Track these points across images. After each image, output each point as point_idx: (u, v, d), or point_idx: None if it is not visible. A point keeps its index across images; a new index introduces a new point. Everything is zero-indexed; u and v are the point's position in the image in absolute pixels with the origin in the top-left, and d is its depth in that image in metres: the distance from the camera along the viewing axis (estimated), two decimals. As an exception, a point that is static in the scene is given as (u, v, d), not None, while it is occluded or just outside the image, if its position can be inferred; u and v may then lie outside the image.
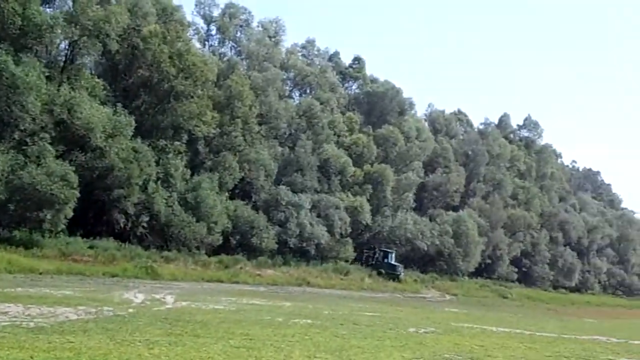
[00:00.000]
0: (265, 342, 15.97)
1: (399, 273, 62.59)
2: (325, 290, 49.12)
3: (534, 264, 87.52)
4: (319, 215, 58.03)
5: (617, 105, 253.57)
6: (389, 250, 65.29)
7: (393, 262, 63.79)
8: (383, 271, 61.20)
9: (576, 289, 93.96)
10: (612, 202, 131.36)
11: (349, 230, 60.68)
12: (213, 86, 53.76)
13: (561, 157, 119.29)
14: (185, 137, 51.18)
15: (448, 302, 54.09)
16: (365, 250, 66.04)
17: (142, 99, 50.70)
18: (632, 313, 79.19)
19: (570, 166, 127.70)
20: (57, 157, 39.92)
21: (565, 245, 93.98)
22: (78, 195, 39.36)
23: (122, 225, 45.57)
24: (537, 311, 58.59)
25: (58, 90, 41.84)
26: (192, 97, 50.29)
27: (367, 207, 62.08)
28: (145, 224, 46.70)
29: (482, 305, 56.93)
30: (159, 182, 47.10)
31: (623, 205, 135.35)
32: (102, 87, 45.88)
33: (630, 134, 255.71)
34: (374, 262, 63.09)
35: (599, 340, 27.09)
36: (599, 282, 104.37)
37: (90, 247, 41.51)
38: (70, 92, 41.76)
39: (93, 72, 48.95)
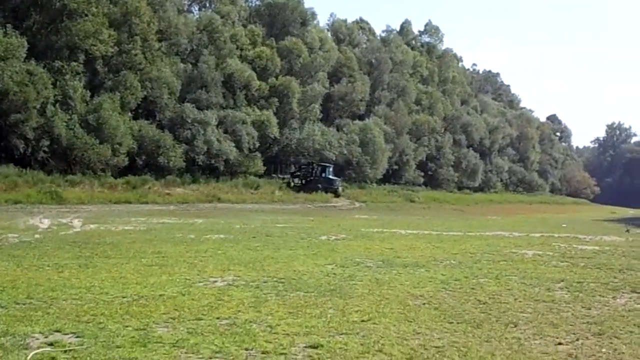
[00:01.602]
0: (178, 259, 15.96)
1: (336, 187, 63.05)
2: (236, 205, 49.29)
3: (439, 167, 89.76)
4: (226, 131, 57.54)
5: (515, 5, 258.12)
6: (327, 165, 65.39)
7: (331, 176, 64.15)
8: (320, 186, 61.48)
9: (480, 189, 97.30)
10: (512, 102, 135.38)
11: (257, 144, 60.50)
12: (108, 3, 51.68)
13: (462, 61, 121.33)
14: (82, 57, 49.32)
15: (358, 210, 55.24)
16: (302, 166, 65.90)
17: (33, 18, 48.44)
18: (532, 208, 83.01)
19: (471, 69, 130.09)
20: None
21: (468, 147, 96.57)
22: (-28, 122, 37.82)
23: (21, 150, 44.17)
24: (443, 212, 60.59)
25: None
26: (86, 15, 48.39)
27: (274, 120, 61.86)
28: (46, 149, 45.38)
29: (391, 210, 58.41)
30: (57, 104, 45.63)
31: (522, 105, 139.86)
32: (-11, 8, 43.64)
33: (528, 34, 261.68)
34: (312, 178, 63.19)
35: (502, 235, 28.28)
36: (501, 181, 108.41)
37: (-10, 175, 40.21)
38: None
39: (-22, -7, 46.34)
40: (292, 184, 64.05)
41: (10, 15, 46.40)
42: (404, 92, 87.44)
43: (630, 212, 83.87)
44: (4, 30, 42.71)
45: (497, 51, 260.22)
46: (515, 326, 9.51)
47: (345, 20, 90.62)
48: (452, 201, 77.99)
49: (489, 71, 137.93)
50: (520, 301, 11.58)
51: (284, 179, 66.04)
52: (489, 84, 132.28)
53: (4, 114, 42.53)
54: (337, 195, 62.16)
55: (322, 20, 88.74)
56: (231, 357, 7.54)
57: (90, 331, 8.42)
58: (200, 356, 7.56)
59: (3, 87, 41.45)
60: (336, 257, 17.25)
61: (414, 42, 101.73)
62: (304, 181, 63.72)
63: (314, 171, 64.58)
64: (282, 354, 7.72)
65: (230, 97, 61.64)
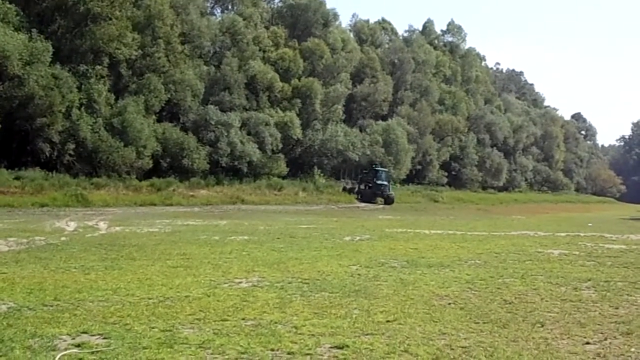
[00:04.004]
0: (202, 261, 15.99)
1: (386, 193, 61.27)
2: (260, 206, 49.39)
3: (463, 166, 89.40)
4: (249, 133, 57.72)
5: (539, 2, 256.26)
6: (378, 168, 64.63)
7: (381, 180, 62.60)
8: (374, 193, 60.45)
9: (504, 188, 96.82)
10: (536, 101, 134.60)
11: (280, 146, 60.63)
12: (131, 6, 51.99)
13: (485, 60, 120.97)
14: (106, 60, 49.70)
15: (381, 210, 55.08)
16: (363, 170, 65.19)
17: (58, 23, 48.85)
18: (557, 207, 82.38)
19: (495, 68, 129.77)
20: (-28, 88, 38.51)
21: (492, 147, 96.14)
22: (-2, 126, 38.23)
23: (47, 154, 44.55)
24: (467, 212, 60.28)
25: (-32, 19, 40.04)
26: (110, 18, 48.71)
27: (297, 121, 61.97)
28: (71, 152, 45.78)
29: (415, 210, 58.19)
30: (82, 108, 46.01)
31: (546, 103, 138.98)
32: (15, 12, 44.01)
33: (552, 31, 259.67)
34: (370, 185, 62.09)
35: (528, 234, 28.07)
36: (526, 180, 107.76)
37: (16, 178, 40.57)
38: (-19, 20, 40.01)
39: (3, -2, 46.82)
40: (351, 192, 62.85)
41: (35, 20, 46.80)
42: (427, 92, 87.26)
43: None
44: (29, 35, 43.10)
45: (521, 49, 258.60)
46: (542, 326, 9.43)
47: (367, 21, 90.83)
48: (476, 201, 77.67)
49: (513, 70, 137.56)
50: (546, 301, 11.48)
51: (344, 187, 65.10)
52: (513, 83, 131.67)
53: (29, 118, 42.92)
54: (388, 202, 60.60)
55: (345, 20, 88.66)
56: (257, 358, 7.53)
57: (117, 332, 8.46)
58: (226, 357, 7.56)
59: (29, 91, 41.82)
60: (360, 258, 17.21)
61: (436, 41, 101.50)
62: (361, 189, 62.74)
63: (370, 177, 63.77)
64: (307, 354, 7.71)
65: (253, 99, 61.84)
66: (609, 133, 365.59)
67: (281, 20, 72.77)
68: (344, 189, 64.11)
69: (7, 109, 41.57)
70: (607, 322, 9.77)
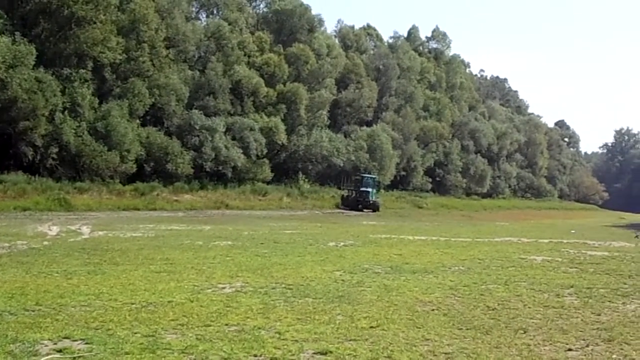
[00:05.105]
0: (186, 266, 15.96)
1: (369, 200, 60.52)
2: (244, 211, 49.33)
3: (447, 173, 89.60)
4: (233, 138, 57.57)
5: (523, 11, 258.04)
6: (365, 175, 64.31)
7: (367, 188, 61.87)
8: (360, 201, 59.87)
9: (488, 195, 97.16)
10: (520, 108, 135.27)
11: (265, 151, 60.52)
12: (116, 10, 51.72)
13: (469, 67, 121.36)
14: (90, 64, 49.44)
15: (365, 216, 55.14)
16: (356, 178, 64.45)
17: (41, 26, 48.56)
18: (541, 214, 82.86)
19: (479, 75, 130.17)
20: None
21: (476, 153, 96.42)
22: (-20, 129, 37.95)
23: (30, 157, 44.24)
24: (451, 218, 60.50)
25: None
26: (94, 22, 48.45)
27: (282, 127, 61.87)
28: (55, 156, 45.47)
29: (399, 216, 58.33)
30: (66, 112, 45.73)
31: (530, 110, 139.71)
32: (-2, 15, 43.82)
33: (536, 39, 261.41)
34: (356, 193, 61.51)
35: (511, 241, 28.24)
36: (509, 187, 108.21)
37: (-2, 182, 40.34)
38: (-37, 23, 39.73)
39: (-13, 0, 46.54)
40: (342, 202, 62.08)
41: (19, 23, 46.54)
42: (412, 98, 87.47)
43: (639, 218, 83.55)
44: (13, 38, 42.84)
45: (505, 57, 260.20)
46: (525, 332, 9.48)
47: (352, 27, 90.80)
48: (460, 207, 77.92)
49: (497, 77, 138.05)
50: (529, 307, 11.54)
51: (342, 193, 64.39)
52: (497, 90, 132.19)
53: (12, 121, 42.63)
54: (374, 209, 59.96)
55: (330, 26, 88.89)
56: (240, 364, 7.52)
57: (99, 338, 8.43)
58: (209, 363, 7.55)
59: (12, 94, 41.56)
60: (344, 264, 17.23)
61: (421, 48, 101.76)
62: (344, 196, 62.16)
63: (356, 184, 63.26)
64: (290, 360, 7.71)
65: (238, 104, 61.72)
66: (592, 140, 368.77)
67: (266, 26, 72.71)
68: (343, 198, 63.12)
69: (-10, 112, 41.36)
70: (589, 329, 9.83)
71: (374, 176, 65.52)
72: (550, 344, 8.86)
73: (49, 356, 7.61)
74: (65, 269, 14.89)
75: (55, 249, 19.24)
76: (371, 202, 60.74)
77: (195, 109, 56.59)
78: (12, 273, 14.01)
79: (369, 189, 61.47)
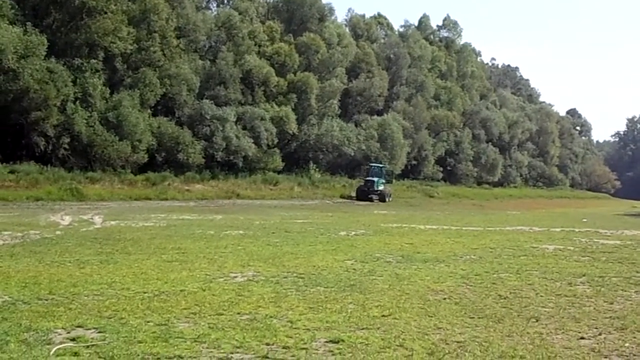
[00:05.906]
0: (198, 255, 16.01)
1: (376, 190, 59.54)
2: (255, 201, 49.40)
3: (458, 162, 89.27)
4: (244, 128, 57.58)
5: (534, 1, 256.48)
6: (374, 164, 63.71)
7: (373, 177, 60.95)
8: (368, 191, 59.14)
9: (499, 184, 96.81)
10: (531, 96, 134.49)
11: (276, 140, 60.55)
12: (127, 0, 51.76)
13: (480, 56, 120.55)
14: (101, 54, 49.58)
15: (376, 205, 55.10)
16: (370, 167, 63.70)
17: (53, 16, 48.72)
18: (552, 203, 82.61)
19: (490, 64, 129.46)
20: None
21: (487, 142, 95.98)
22: (-8, 119, 38.15)
23: (42, 148, 44.47)
24: (462, 207, 60.42)
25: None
26: (105, 12, 48.56)
27: (293, 116, 61.83)
28: (66, 146, 45.69)
29: (410, 205, 58.24)
30: (77, 102, 45.92)
31: (541, 99, 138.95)
32: (10, 6, 43.95)
33: (547, 27, 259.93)
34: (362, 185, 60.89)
35: (523, 230, 28.14)
36: (521, 176, 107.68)
37: (11, 172, 40.59)
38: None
39: (-2, -9, 46.63)
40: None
41: (30, 14, 46.67)
42: (423, 87, 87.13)
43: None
44: (24, 28, 42.98)
45: (516, 45, 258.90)
46: (537, 321, 9.46)
47: (363, 16, 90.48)
48: (472, 196, 77.72)
49: (508, 65, 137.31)
50: (541, 296, 11.51)
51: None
52: (508, 78, 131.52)
53: (24, 111, 42.84)
54: (381, 199, 59.08)
55: (340, 15, 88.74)
56: (252, 352, 7.54)
57: (112, 326, 8.46)
58: (222, 351, 7.56)
59: (24, 85, 41.74)
60: (356, 253, 17.24)
61: (432, 36, 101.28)
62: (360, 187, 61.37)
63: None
64: (303, 348, 7.72)
65: (248, 94, 61.71)
66: (604, 129, 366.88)
67: (277, 15, 72.61)
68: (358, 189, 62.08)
69: (2, 102, 41.52)
70: (602, 317, 9.80)
71: (381, 165, 65.09)
72: (563, 332, 8.84)
73: (63, 345, 7.65)
74: (77, 258, 14.96)
75: (67, 238, 19.33)
76: (378, 191, 59.95)
77: (206, 98, 56.63)
78: (26, 262, 14.09)
79: (374, 178, 60.83)
